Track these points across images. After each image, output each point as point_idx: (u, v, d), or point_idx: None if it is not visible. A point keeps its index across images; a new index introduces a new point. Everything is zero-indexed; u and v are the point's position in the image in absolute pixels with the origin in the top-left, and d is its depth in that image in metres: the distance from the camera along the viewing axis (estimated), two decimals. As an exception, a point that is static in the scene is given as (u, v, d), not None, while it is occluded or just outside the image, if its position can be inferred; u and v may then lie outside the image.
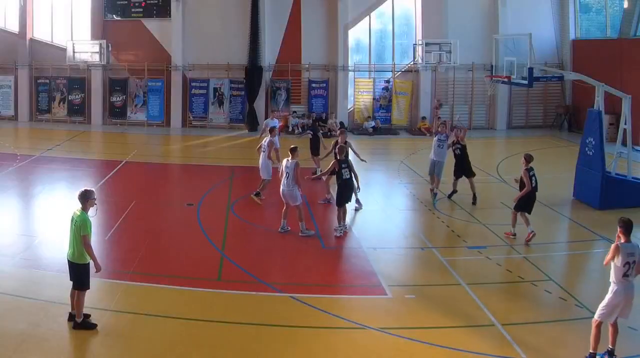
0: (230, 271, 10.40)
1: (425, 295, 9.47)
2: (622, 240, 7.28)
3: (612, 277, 7.32)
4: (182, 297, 9.23)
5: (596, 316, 7.46)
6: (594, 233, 12.52)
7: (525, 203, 11.81)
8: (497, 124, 26.64)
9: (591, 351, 7.42)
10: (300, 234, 11.97)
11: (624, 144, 14.79)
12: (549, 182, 16.87)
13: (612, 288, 7.30)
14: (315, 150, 17.03)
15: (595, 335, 7.41)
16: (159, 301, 9.03)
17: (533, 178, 11.75)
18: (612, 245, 7.31)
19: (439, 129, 15.06)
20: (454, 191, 14.80)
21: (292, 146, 12.23)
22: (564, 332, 8.28)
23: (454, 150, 14.62)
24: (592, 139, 14.59)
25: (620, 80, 20.31)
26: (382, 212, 14.34)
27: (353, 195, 12.99)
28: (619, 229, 7.36)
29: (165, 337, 7.96)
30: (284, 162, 12.05)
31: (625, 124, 14.57)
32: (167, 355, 7.55)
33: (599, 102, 14.52)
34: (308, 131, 18.03)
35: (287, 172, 11.88)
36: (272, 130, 15.24)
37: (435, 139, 14.80)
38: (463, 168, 14.58)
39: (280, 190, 12.11)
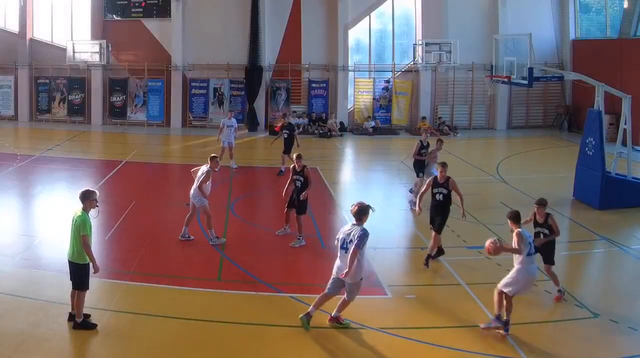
0: (230, 271, 10.40)
1: (425, 295, 9.48)
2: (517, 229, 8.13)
3: (516, 259, 8.05)
4: (182, 297, 9.23)
5: (500, 285, 8.11)
6: (594, 233, 12.52)
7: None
8: (497, 124, 26.66)
9: (497, 313, 8.12)
10: (210, 243, 11.47)
11: (624, 144, 14.80)
12: (549, 182, 16.92)
13: (517, 267, 8.04)
14: (287, 149, 17.29)
15: (498, 301, 8.11)
16: (159, 301, 9.02)
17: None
18: (515, 233, 8.05)
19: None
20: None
21: (212, 154, 11.93)
22: (564, 332, 8.28)
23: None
24: (592, 139, 14.59)
25: (620, 80, 20.31)
26: (382, 212, 14.32)
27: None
28: (509, 222, 8.24)
29: (165, 337, 7.96)
30: (203, 166, 11.70)
31: (625, 124, 14.59)
32: (167, 355, 7.55)
33: (599, 102, 14.53)
34: (284, 131, 17.63)
35: (199, 176, 11.57)
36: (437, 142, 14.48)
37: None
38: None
39: (190, 193, 11.75)
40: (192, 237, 11.77)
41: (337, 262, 8.10)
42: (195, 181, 11.60)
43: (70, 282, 8.09)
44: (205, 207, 11.53)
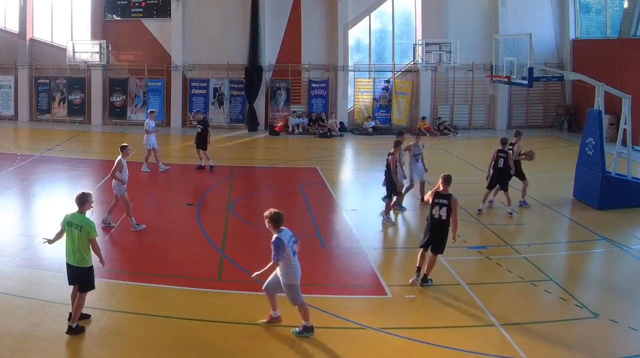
0: (230, 271, 10.40)
1: (425, 295, 9.46)
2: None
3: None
4: (182, 297, 9.23)
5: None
6: (594, 233, 12.52)
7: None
8: (497, 124, 26.66)
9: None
10: (131, 229, 12.10)
11: (624, 144, 14.81)
12: (549, 182, 16.91)
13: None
14: (202, 144, 17.73)
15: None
16: (159, 301, 9.02)
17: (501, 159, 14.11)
18: None
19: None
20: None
21: (122, 144, 12.73)
22: (564, 332, 8.27)
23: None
24: (592, 139, 14.59)
25: (620, 80, 20.31)
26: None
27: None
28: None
29: (165, 337, 7.96)
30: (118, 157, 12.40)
31: (625, 124, 14.59)
32: (167, 355, 7.55)
33: (599, 102, 14.53)
34: (198, 125, 18.01)
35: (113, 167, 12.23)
36: None
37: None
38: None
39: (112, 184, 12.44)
40: (114, 225, 12.35)
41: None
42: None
43: (71, 286, 8.03)
44: (125, 196, 12.20)
